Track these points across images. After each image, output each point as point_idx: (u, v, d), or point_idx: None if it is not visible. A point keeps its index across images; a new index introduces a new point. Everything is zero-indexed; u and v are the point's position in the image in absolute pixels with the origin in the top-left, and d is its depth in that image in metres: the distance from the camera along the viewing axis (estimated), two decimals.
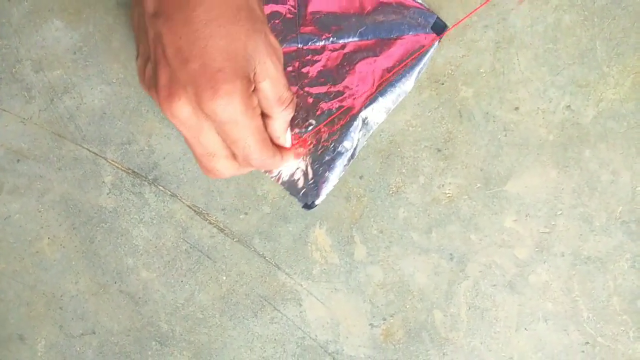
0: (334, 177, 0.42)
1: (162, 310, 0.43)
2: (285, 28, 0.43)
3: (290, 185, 0.42)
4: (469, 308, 0.43)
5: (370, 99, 0.42)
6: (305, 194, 0.42)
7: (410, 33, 0.42)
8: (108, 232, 0.43)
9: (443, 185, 0.43)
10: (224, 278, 0.43)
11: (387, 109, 0.43)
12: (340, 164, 0.42)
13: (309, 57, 0.43)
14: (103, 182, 0.43)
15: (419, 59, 0.43)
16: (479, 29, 0.43)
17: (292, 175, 0.42)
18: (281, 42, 0.42)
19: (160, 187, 0.43)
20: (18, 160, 0.43)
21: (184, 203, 0.43)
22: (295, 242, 0.43)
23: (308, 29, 0.43)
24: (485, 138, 0.43)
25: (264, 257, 0.43)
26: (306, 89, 0.42)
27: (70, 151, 0.43)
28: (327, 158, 0.42)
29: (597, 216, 0.43)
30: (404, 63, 0.42)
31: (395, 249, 0.43)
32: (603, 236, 0.42)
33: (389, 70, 0.42)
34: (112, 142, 0.43)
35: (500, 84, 0.43)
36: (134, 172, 0.43)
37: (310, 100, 0.42)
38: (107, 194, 0.43)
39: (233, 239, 0.43)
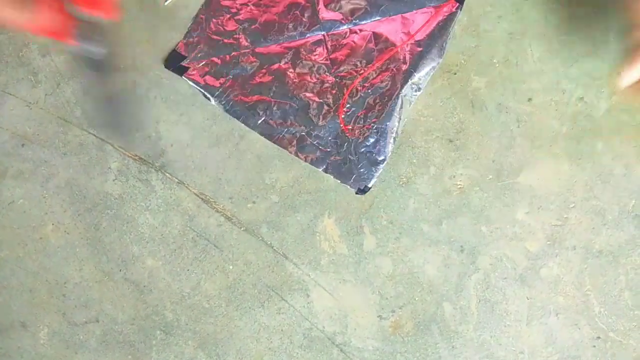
0: (382, 159, 0.42)
1: (168, 299, 0.42)
2: (306, 18, 0.43)
3: (339, 174, 0.42)
4: (479, 301, 0.42)
5: (405, 76, 0.42)
6: (357, 179, 0.42)
7: (432, 4, 0.42)
8: (113, 219, 0.42)
9: (454, 176, 0.42)
10: (231, 267, 0.42)
11: (421, 84, 0.43)
12: (386, 145, 0.42)
13: (334, 43, 0.43)
14: (109, 168, 0.42)
15: (444, 28, 0.43)
16: (492, 19, 0.43)
17: (339, 164, 0.42)
18: (304, 32, 0.43)
19: (167, 175, 0.42)
20: (23, 145, 0.43)
21: (191, 191, 0.42)
22: (303, 232, 0.42)
23: (329, 15, 0.43)
24: (498, 129, 0.43)
25: (272, 247, 0.42)
26: (339, 74, 0.43)
27: (76, 136, 0.43)
28: (371, 140, 0.42)
29: (610, 209, 0.42)
30: (431, 33, 0.42)
31: (405, 240, 0.42)
32: (615, 230, 0.42)
33: (418, 44, 0.43)
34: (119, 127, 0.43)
35: (513, 74, 0.43)
36: (140, 158, 0.43)
37: (345, 84, 0.42)
38: (113, 180, 0.42)
39: (240, 227, 0.42)
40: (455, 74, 0.43)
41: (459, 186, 0.42)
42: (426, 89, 0.43)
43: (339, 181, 0.42)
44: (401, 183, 0.42)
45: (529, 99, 0.43)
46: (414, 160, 0.42)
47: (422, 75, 0.42)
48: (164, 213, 0.42)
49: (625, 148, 0.42)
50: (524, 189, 0.42)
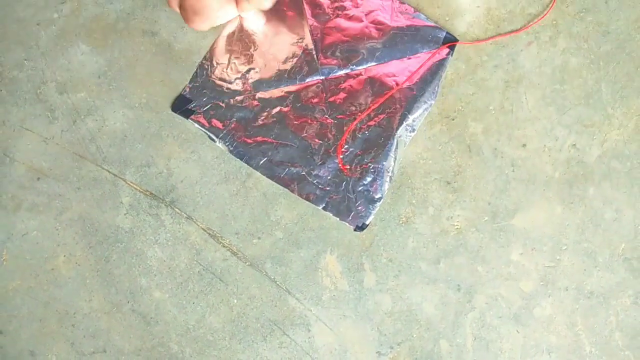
0: (378, 197, 0.44)
1: (173, 331, 0.44)
2: (306, 64, 0.45)
3: (338, 212, 0.44)
4: (475, 339, 0.43)
5: (400, 117, 0.44)
6: (355, 217, 0.43)
7: (424, 50, 0.45)
8: (123, 251, 0.44)
9: (452, 217, 0.44)
10: (235, 301, 0.44)
11: (415, 126, 0.45)
12: (382, 183, 0.44)
13: (333, 87, 0.45)
14: (121, 202, 0.44)
15: (436, 72, 0.45)
16: (489, 68, 0.45)
17: (338, 202, 0.44)
18: (304, 77, 0.45)
19: (176, 210, 0.44)
20: (38, 179, 0.45)
21: (198, 226, 0.44)
22: (306, 268, 0.44)
23: (327, 60, 0.45)
24: (494, 173, 0.45)
25: (275, 282, 0.44)
26: (337, 117, 0.45)
27: (90, 172, 0.44)
28: (368, 179, 0.44)
29: (601, 252, 0.44)
30: (424, 77, 0.45)
31: (403, 278, 0.44)
32: (606, 272, 0.44)
33: (411, 88, 0.45)
34: (132, 164, 0.44)
35: (508, 121, 0.45)
36: (151, 194, 0.44)
37: (343, 126, 0.45)
38: (125, 214, 0.44)
39: (245, 262, 0.44)
40: (453, 119, 0.45)
41: (456, 227, 0.44)
42: (425, 133, 0.45)
43: (337, 219, 0.44)
44: (401, 222, 0.44)
45: (524, 145, 0.45)
46: (413, 201, 0.44)
47: (416, 117, 0.44)
48: (172, 247, 0.44)
49: (616, 193, 0.44)
50: (519, 230, 0.44)
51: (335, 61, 0.45)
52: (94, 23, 0.45)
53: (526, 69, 0.45)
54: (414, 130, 0.44)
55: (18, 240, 0.44)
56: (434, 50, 0.45)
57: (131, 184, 0.44)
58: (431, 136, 0.45)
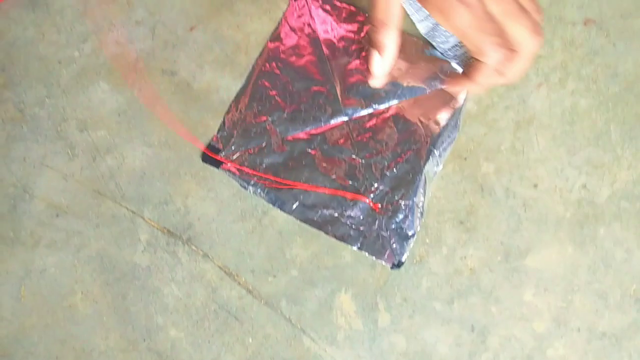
0: (412, 233, 0.44)
1: None
2: (330, 105, 0.46)
3: (373, 251, 0.44)
4: None
5: (426, 153, 0.45)
6: (391, 255, 0.44)
7: (444, 86, 0.46)
8: (140, 289, 0.44)
9: (465, 257, 0.45)
10: (250, 340, 0.44)
11: (441, 160, 0.46)
12: (414, 219, 0.44)
13: (358, 127, 0.46)
14: (139, 239, 0.45)
15: (458, 105, 0.46)
16: (500, 109, 0.46)
17: (373, 241, 0.44)
18: (329, 118, 0.46)
19: (193, 247, 0.45)
20: (57, 215, 0.45)
21: (215, 263, 0.45)
22: (321, 307, 0.44)
23: (350, 101, 0.46)
24: (506, 212, 0.45)
25: (290, 321, 0.44)
26: (365, 156, 0.45)
27: (109, 209, 0.45)
28: (400, 216, 0.44)
29: (612, 293, 0.44)
30: (446, 111, 0.46)
31: (418, 318, 0.44)
32: (618, 313, 0.44)
33: (435, 122, 0.46)
34: (150, 201, 0.45)
35: (520, 161, 0.46)
36: (169, 231, 0.45)
37: (372, 165, 0.45)
38: (142, 251, 0.45)
39: (261, 301, 0.44)
40: (465, 159, 0.46)
41: (470, 267, 0.45)
42: (438, 173, 0.45)
43: (374, 258, 0.44)
44: (415, 262, 0.45)
45: (535, 185, 0.46)
46: (427, 240, 0.45)
47: (441, 151, 0.45)
48: (188, 285, 0.44)
49: (626, 234, 0.45)
50: (531, 271, 0.45)
51: (357, 101, 0.46)
52: (115, 62, 0.47)
53: (537, 110, 0.46)
54: (439, 164, 0.46)
55: (36, 277, 0.45)
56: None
57: (149, 221, 0.45)
58: (444, 175, 0.45)
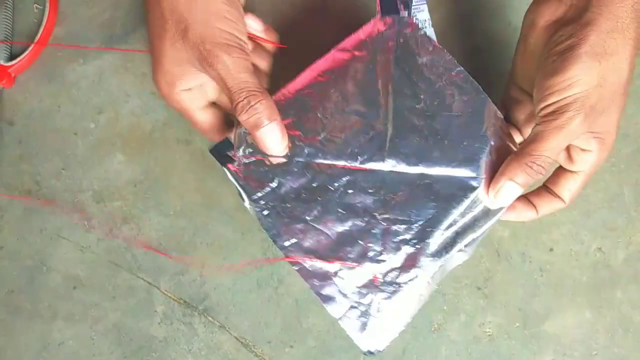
0: (401, 322, 0.38)
1: None
2: (375, 146, 0.39)
3: (352, 327, 0.38)
4: None
5: (451, 241, 0.38)
6: (369, 339, 0.38)
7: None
8: None
9: (483, 324, 0.45)
10: None
11: (469, 249, 0.39)
12: (410, 308, 0.38)
13: (393, 183, 0.39)
14: (155, 311, 0.45)
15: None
16: None
17: (357, 316, 0.38)
18: (367, 160, 0.39)
19: (209, 318, 0.45)
20: (74, 288, 0.45)
21: (231, 334, 0.45)
22: None
23: (399, 152, 0.39)
24: (523, 278, 0.45)
25: None
26: (387, 219, 0.38)
27: (126, 280, 0.45)
28: (394, 298, 0.38)
29: (632, 357, 0.44)
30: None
31: None
32: None
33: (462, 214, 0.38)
34: (167, 272, 0.45)
35: (535, 225, 0.46)
36: (185, 302, 0.45)
37: (390, 234, 0.38)
38: (159, 323, 0.45)
39: None
40: None
41: (489, 334, 0.44)
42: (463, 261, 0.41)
43: (348, 333, 0.38)
44: (433, 330, 0.45)
45: (551, 249, 0.46)
46: (445, 307, 0.45)
47: (471, 242, 0.39)
48: (205, 357, 0.44)
49: None
50: (549, 336, 0.44)
51: (405, 155, 0.39)
52: (130, 132, 0.47)
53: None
54: (466, 254, 0.39)
55: (54, 350, 0.45)
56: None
57: (165, 293, 0.45)
58: None
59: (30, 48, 0.47)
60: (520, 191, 0.37)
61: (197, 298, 0.45)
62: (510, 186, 0.37)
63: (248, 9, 0.40)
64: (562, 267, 0.45)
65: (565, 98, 0.34)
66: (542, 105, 0.35)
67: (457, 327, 0.44)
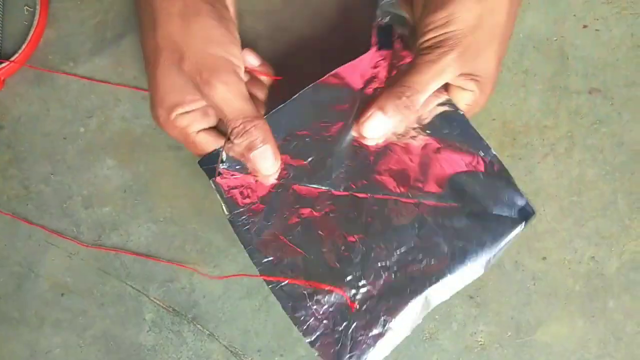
0: (377, 356, 0.36)
1: None
2: (359, 172, 0.39)
3: (324, 353, 0.36)
4: None
5: (437, 274, 0.37)
6: None
7: (495, 211, 0.38)
8: None
9: (475, 333, 0.44)
10: None
11: (453, 289, 0.38)
12: (388, 343, 0.37)
13: (378, 208, 0.38)
14: (144, 319, 0.44)
15: (496, 242, 0.38)
16: None
17: (330, 343, 0.36)
18: (351, 187, 0.39)
19: (198, 326, 0.44)
20: (62, 295, 0.45)
21: (221, 343, 0.44)
22: None
23: (382, 178, 0.39)
24: (515, 286, 0.45)
25: None
26: (369, 244, 0.38)
27: (114, 287, 0.45)
28: (374, 332, 0.36)
29: None
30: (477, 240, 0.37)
31: None
32: None
33: (462, 247, 0.37)
34: (155, 279, 0.45)
35: (528, 233, 0.46)
36: (174, 310, 0.44)
37: (370, 258, 0.37)
38: (147, 331, 0.44)
39: None
40: None
41: (480, 343, 0.44)
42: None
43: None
44: (424, 338, 0.44)
45: (544, 258, 0.45)
46: (436, 316, 0.44)
47: (455, 280, 0.38)
48: None
49: (636, 305, 0.44)
50: (541, 345, 0.44)
51: (389, 180, 0.39)
52: (120, 137, 0.46)
53: (544, 181, 0.46)
54: (451, 292, 0.37)
55: (42, 358, 0.44)
56: (504, 216, 0.38)
57: (154, 300, 0.45)
58: None
59: (20, 51, 0.46)
60: (388, 124, 0.37)
61: (186, 306, 0.45)
62: (378, 116, 0.37)
63: (249, 44, 0.40)
64: (555, 276, 0.45)
65: (442, 34, 0.35)
66: (421, 40, 0.36)
67: (449, 335, 0.44)
